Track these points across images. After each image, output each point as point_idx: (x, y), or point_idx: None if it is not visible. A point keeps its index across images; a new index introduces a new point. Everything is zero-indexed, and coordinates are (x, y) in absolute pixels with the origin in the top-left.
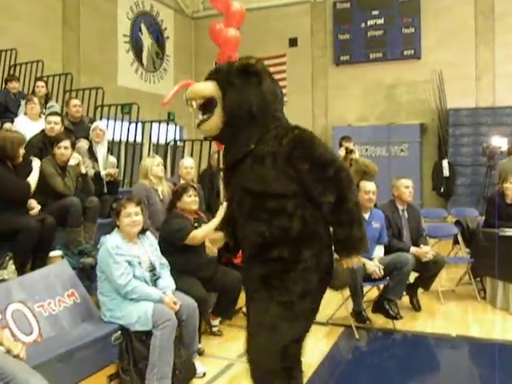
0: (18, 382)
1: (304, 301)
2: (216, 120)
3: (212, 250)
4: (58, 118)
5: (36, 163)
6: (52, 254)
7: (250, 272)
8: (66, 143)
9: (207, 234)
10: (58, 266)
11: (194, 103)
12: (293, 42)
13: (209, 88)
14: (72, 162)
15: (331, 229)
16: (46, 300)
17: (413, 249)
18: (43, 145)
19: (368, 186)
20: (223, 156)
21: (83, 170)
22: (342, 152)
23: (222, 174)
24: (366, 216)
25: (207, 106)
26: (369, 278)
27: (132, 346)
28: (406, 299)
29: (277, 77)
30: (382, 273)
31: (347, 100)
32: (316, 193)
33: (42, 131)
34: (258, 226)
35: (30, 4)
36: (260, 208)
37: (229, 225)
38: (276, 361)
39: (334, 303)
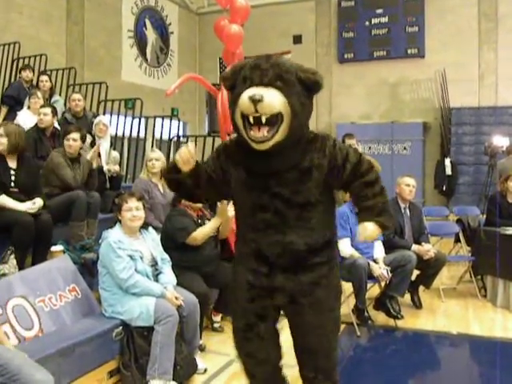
0: (22, 377)
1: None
2: (278, 138)
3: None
4: (48, 110)
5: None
6: (53, 248)
7: (294, 280)
8: (75, 135)
9: (207, 235)
10: (60, 260)
11: (263, 117)
12: (297, 39)
13: (279, 103)
14: (88, 156)
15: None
16: (47, 295)
17: (414, 247)
18: (38, 137)
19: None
20: (255, 161)
21: (94, 165)
22: None
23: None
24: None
25: (272, 120)
26: (371, 275)
27: (133, 342)
28: (407, 297)
29: None
30: (390, 275)
31: (351, 98)
32: (352, 179)
33: (36, 124)
34: (305, 236)
35: None
36: (305, 218)
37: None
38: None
39: None
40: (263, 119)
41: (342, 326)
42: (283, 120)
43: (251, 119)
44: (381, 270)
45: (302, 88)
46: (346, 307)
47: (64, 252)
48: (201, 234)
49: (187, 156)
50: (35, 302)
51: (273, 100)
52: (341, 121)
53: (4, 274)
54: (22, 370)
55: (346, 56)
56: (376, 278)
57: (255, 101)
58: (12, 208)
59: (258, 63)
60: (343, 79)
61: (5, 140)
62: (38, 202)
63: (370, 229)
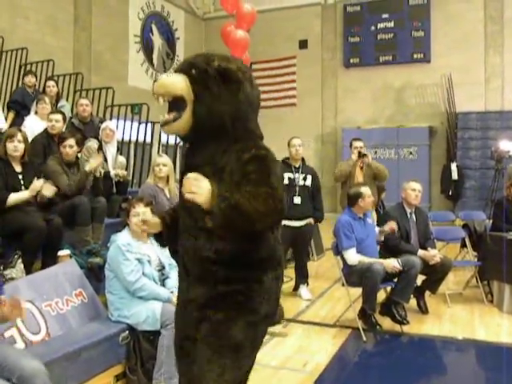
0: (9, 364)
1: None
2: (182, 124)
3: (141, 228)
4: (59, 116)
5: (35, 184)
6: (60, 253)
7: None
8: (71, 141)
9: None
10: (67, 265)
11: (160, 99)
12: (303, 44)
13: (180, 86)
14: (87, 168)
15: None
16: (53, 299)
17: (420, 252)
18: (47, 142)
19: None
20: (184, 156)
21: (97, 174)
22: (354, 156)
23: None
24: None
25: (175, 103)
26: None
27: (139, 346)
28: (413, 302)
29: (286, 79)
30: (401, 264)
31: (357, 102)
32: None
33: (46, 129)
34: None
35: (40, 3)
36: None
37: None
38: None
39: (341, 305)
40: (160, 100)
41: (348, 331)
42: (187, 106)
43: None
44: (392, 263)
45: (217, 77)
46: (352, 312)
47: (71, 256)
48: None
49: (142, 227)
50: (42, 306)
51: (167, 81)
52: (346, 125)
53: (12, 278)
54: (7, 358)
55: (351, 61)
56: (391, 272)
57: (154, 81)
58: (21, 199)
59: (194, 55)
60: (349, 84)
61: (22, 146)
62: (39, 182)
63: (204, 186)
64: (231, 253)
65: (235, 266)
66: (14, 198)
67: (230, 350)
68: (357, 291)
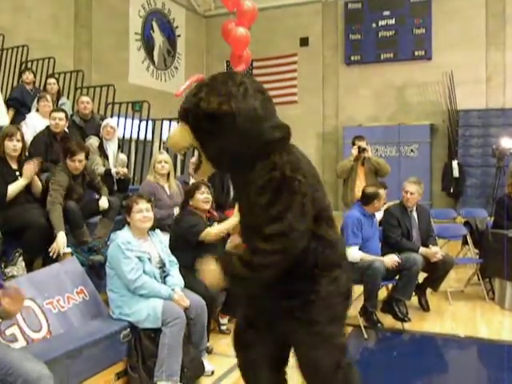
0: (13, 369)
1: None
2: (206, 168)
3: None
4: (62, 114)
5: (27, 169)
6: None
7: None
8: (81, 156)
9: (221, 232)
10: (68, 262)
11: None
12: (304, 42)
13: (185, 140)
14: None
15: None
16: (55, 297)
17: (422, 249)
18: (49, 140)
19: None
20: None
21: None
22: (354, 151)
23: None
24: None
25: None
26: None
27: (141, 344)
28: (414, 299)
29: (287, 76)
30: (399, 258)
31: (358, 100)
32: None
33: (48, 127)
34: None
35: (41, 1)
36: (248, 239)
37: None
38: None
39: None
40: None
41: (349, 329)
42: (199, 152)
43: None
44: (391, 259)
45: (207, 119)
46: (353, 310)
47: (72, 254)
48: (215, 229)
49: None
50: (43, 304)
51: (174, 138)
52: (347, 123)
53: (13, 276)
54: (12, 362)
55: (352, 58)
56: (390, 268)
57: (168, 138)
58: (19, 188)
59: (185, 96)
60: (350, 81)
61: (20, 145)
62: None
63: (212, 270)
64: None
65: (290, 280)
66: (11, 188)
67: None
68: (358, 289)
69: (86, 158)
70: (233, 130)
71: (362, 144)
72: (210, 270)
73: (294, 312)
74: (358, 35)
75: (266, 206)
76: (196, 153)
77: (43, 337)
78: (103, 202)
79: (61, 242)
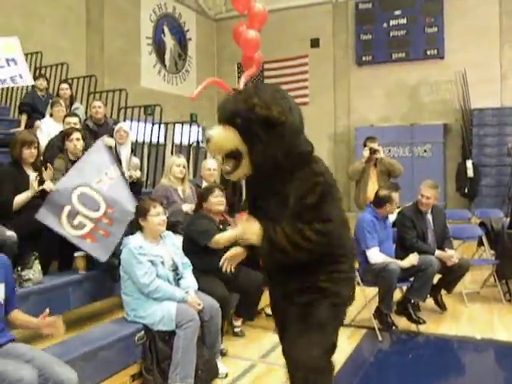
0: (46, 373)
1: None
2: (243, 171)
3: (228, 268)
4: (76, 119)
5: (33, 178)
6: (77, 253)
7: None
8: (77, 134)
9: (230, 239)
10: (93, 149)
11: (218, 155)
12: (315, 43)
13: (232, 142)
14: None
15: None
16: (99, 176)
17: (438, 252)
18: (63, 145)
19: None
20: (248, 188)
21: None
22: (365, 152)
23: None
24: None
25: (231, 155)
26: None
27: (155, 346)
28: (430, 302)
29: (299, 78)
30: (417, 256)
31: (370, 100)
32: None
33: (61, 132)
34: None
35: (53, 7)
36: None
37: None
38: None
39: (355, 304)
40: (218, 157)
41: (364, 331)
42: (243, 155)
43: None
44: (410, 261)
45: (262, 124)
46: (368, 312)
47: (87, 257)
48: (225, 237)
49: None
50: (93, 185)
51: (219, 141)
52: (359, 124)
53: (29, 279)
54: (46, 366)
55: (364, 58)
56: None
57: (207, 140)
58: (25, 199)
59: (225, 100)
60: (361, 82)
61: (36, 151)
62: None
63: (254, 228)
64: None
65: (315, 263)
66: (18, 200)
67: (316, 329)
68: (372, 290)
69: (83, 138)
70: (280, 139)
71: (374, 145)
72: (252, 226)
73: (320, 283)
74: (370, 35)
75: (314, 206)
76: (209, 155)
77: (104, 213)
78: None
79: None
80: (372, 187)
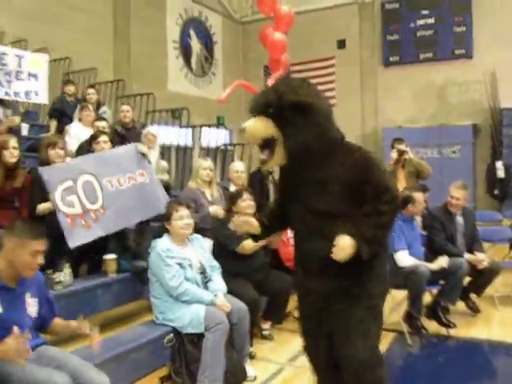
0: (79, 377)
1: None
2: (278, 160)
3: (240, 227)
4: (104, 123)
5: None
6: (107, 256)
7: (326, 284)
8: (104, 137)
9: (257, 246)
10: (128, 148)
11: (253, 144)
12: (341, 44)
13: (267, 130)
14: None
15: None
16: (115, 175)
17: (467, 256)
18: (91, 148)
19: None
20: (284, 176)
21: None
22: (394, 154)
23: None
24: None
25: (266, 144)
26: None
27: (184, 348)
28: (460, 305)
29: (325, 79)
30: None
31: (397, 101)
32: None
33: (91, 136)
34: (328, 245)
35: (81, 14)
36: (328, 228)
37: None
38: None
39: (384, 307)
40: (255, 147)
41: (392, 335)
42: (277, 143)
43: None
44: (439, 264)
45: (292, 111)
46: (396, 315)
47: (117, 260)
48: (250, 245)
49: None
50: (102, 180)
51: (254, 130)
52: (387, 125)
53: (60, 282)
54: (79, 371)
55: (391, 59)
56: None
57: (242, 131)
58: (47, 208)
59: (255, 96)
60: (389, 83)
61: (62, 152)
62: None
63: (346, 244)
64: None
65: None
66: (40, 208)
67: (370, 320)
68: (401, 293)
69: (111, 141)
70: (311, 122)
71: (402, 147)
72: (344, 242)
73: (351, 289)
74: (396, 35)
75: (369, 180)
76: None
77: (96, 209)
78: None
79: None
80: (400, 189)
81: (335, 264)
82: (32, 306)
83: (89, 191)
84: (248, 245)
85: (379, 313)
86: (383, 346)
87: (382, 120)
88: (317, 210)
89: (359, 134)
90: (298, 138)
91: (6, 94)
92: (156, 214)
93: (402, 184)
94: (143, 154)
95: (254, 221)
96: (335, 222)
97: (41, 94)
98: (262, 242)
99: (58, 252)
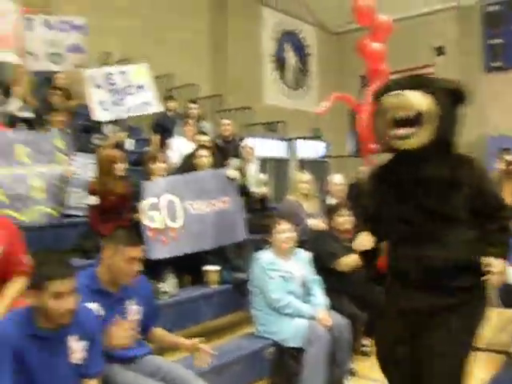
0: (171, 373)
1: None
2: (421, 140)
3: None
4: (206, 137)
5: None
6: (209, 268)
7: (429, 300)
8: (203, 152)
9: (351, 264)
10: (217, 172)
11: (400, 113)
12: (440, 50)
13: (426, 105)
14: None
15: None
16: (195, 200)
17: None
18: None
19: None
20: (405, 168)
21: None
22: (501, 165)
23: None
24: None
25: (410, 120)
26: None
27: (284, 362)
28: None
29: None
30: None
31: (502, 108)
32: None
33: (194, 150)
34: (442, 252)
35: (180, 32)
36: (445, 233)
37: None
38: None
39: (492, 327)
40: (401, 114)
41: (501, 357)
42: (426, 121)
43: (396, 118)
44: None
45: (446, 95)
46: (506, 336)
47: (219, 272)
48: (345, 262)
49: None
50: (185, 202)
51: (414, 99)
52: (491, 133)
53: (165, 292)
54: (182, 381)
55: (493, 64)
56: None
57: (398, 95)
58: None
59: (401, 77)
60: (492, 89)
61: (164, 165)
62: None
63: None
64: (456, 261)
65: (459, 273)
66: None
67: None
68: (511, 312)
69: (212, 154)
70: (458, 118)
71: (510, 157)
72: (499, 265)
73: (459, 309)
74: (499, 39)
75: (492, 194)
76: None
77: (176, 228)
78: None
79: None
80: (507, 201)
81: (447, 275)
82: (133, 314)
83: (170, 210)
84: (344, 262)
85: (476, 328)
86: (491, 368)
87: (487, 128)
88: (435, 212)
89: (462, 142)
90: (448, 125)
91: (123, 111)
92: (231, 242)
93: (508, 196)
94: (232, 179)
95: (367, 238)
96: (455, 227)
97: (153, 103)
98: (361, 261)
99: (163, 263)
